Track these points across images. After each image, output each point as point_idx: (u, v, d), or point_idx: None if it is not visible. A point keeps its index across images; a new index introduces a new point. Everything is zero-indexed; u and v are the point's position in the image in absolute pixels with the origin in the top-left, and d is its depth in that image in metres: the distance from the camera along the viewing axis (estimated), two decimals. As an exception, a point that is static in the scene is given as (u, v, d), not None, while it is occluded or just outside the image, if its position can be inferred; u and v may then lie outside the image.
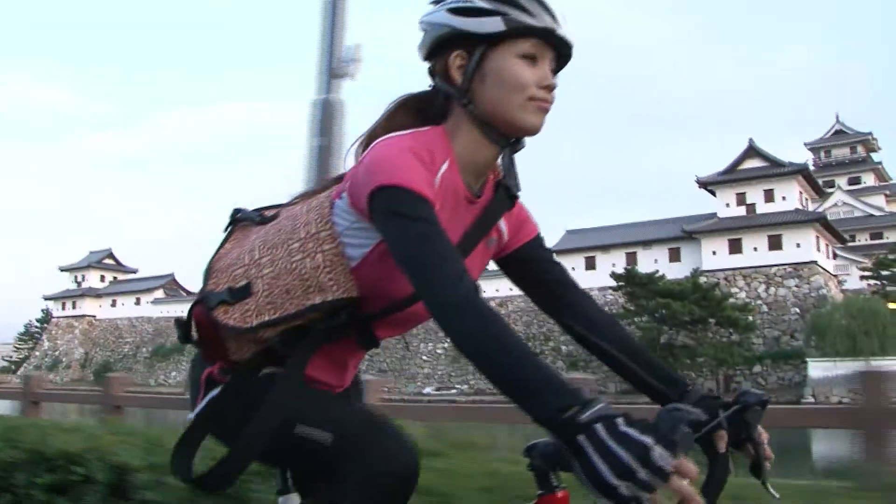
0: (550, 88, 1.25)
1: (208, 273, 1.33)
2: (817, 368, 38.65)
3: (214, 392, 1.31)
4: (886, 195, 63.77)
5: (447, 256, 1.09)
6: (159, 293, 72.42)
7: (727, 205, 48.21)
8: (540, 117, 1.25)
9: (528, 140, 1.30)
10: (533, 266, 1.43)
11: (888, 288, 45.66)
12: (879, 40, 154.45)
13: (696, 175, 49.69)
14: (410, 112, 1.33)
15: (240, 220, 1.43)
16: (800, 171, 46.87)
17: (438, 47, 1.28)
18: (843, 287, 48.32)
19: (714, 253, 47.19)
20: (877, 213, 59.57)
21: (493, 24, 1.22)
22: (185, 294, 72.70)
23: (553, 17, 1.23)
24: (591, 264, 51.30)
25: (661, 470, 0.82)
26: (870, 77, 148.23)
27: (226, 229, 1.44)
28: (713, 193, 49.19)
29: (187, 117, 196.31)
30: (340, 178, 1.33)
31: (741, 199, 47.74)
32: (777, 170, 46.82)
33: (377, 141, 1.23)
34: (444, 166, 1.24)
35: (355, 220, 1.24)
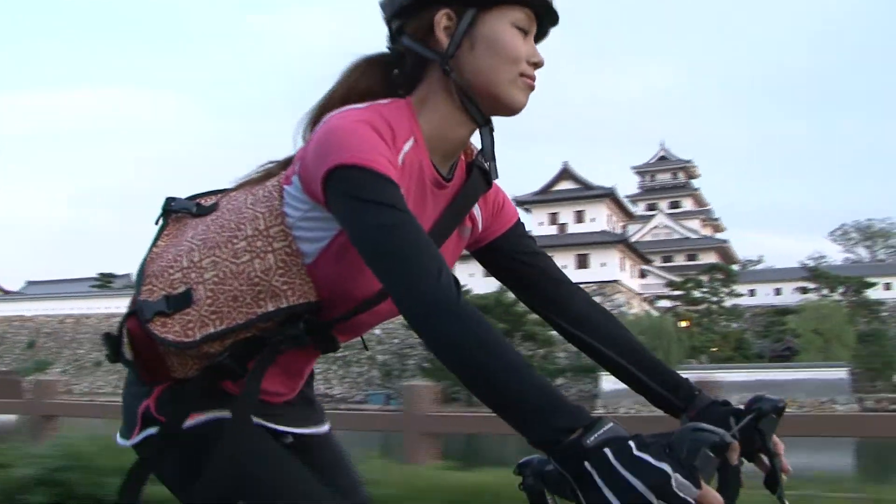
0: (538, 66, 1.13)
1: (141, 278, 1.12)
2: (608, 382, 40.79)
3: (152, 431, 1.14)
4: (702, 219, 68.57)
5: (423, 248, 0.94)
6: (-29, 291, 67.39)
7: (540, 223, 50.46)
8: (527, 95, 1.13)
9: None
10: (514, 257, 1.27)
11: (679, 308, 49.06)
12: (705, 70, 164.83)
13: (514, 194, 51.55)
14: (373, 76, 1.17)
15: (173, 212, 1.23)
16: (608, 195, 49.66)
17: (418, 4, 1.11)
18: (658, 305, 51.40)
19: (526, 269, 48.93)
20: (693, 236, 63.82)
21: None
22: (1, 293, 68.20)
23: None
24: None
25: (683, 502, 0.72)
26: (692, 106, 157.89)
27: (157, 222, 1.23)
28: (528, 212, 51.23)
29: (20, 100, 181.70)
30: (289, 162, 1.15)
31: (553, 218, 50.15)
32: (587, 192, 49.44)
33: (329, 115, 1.06)
34: (409, 144, 1.08)
35: (309, 209, 1.07)
